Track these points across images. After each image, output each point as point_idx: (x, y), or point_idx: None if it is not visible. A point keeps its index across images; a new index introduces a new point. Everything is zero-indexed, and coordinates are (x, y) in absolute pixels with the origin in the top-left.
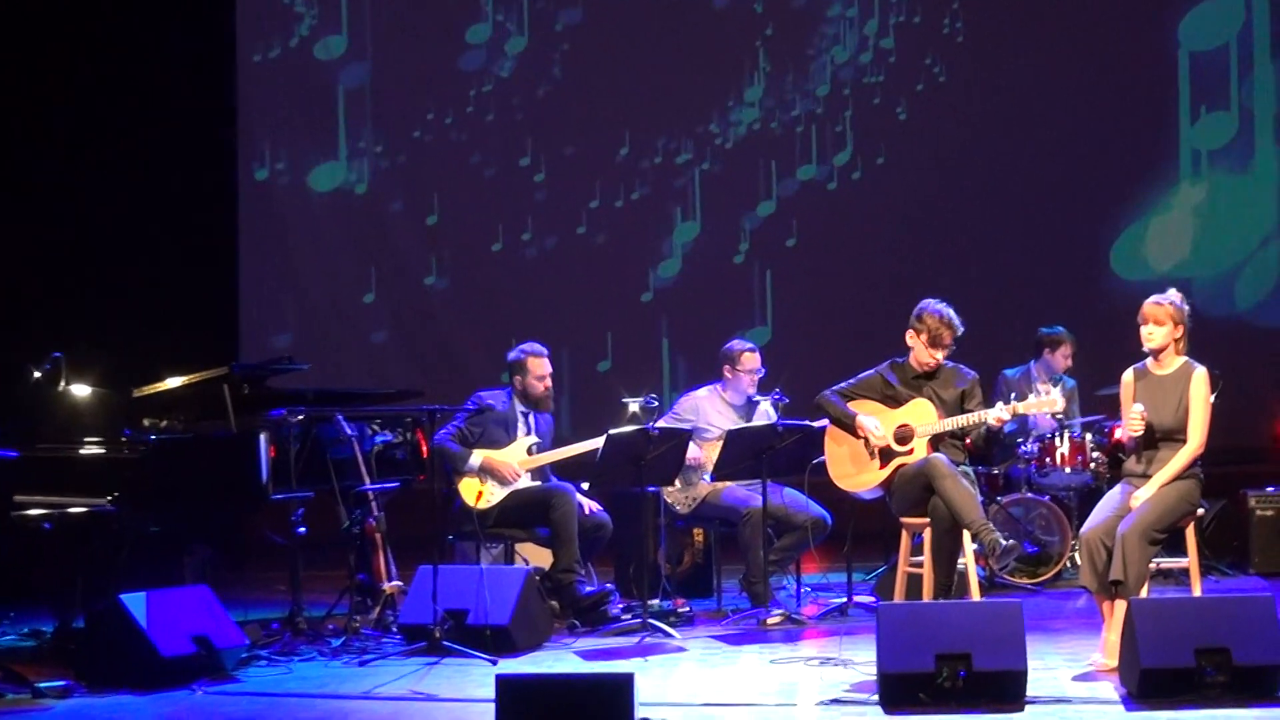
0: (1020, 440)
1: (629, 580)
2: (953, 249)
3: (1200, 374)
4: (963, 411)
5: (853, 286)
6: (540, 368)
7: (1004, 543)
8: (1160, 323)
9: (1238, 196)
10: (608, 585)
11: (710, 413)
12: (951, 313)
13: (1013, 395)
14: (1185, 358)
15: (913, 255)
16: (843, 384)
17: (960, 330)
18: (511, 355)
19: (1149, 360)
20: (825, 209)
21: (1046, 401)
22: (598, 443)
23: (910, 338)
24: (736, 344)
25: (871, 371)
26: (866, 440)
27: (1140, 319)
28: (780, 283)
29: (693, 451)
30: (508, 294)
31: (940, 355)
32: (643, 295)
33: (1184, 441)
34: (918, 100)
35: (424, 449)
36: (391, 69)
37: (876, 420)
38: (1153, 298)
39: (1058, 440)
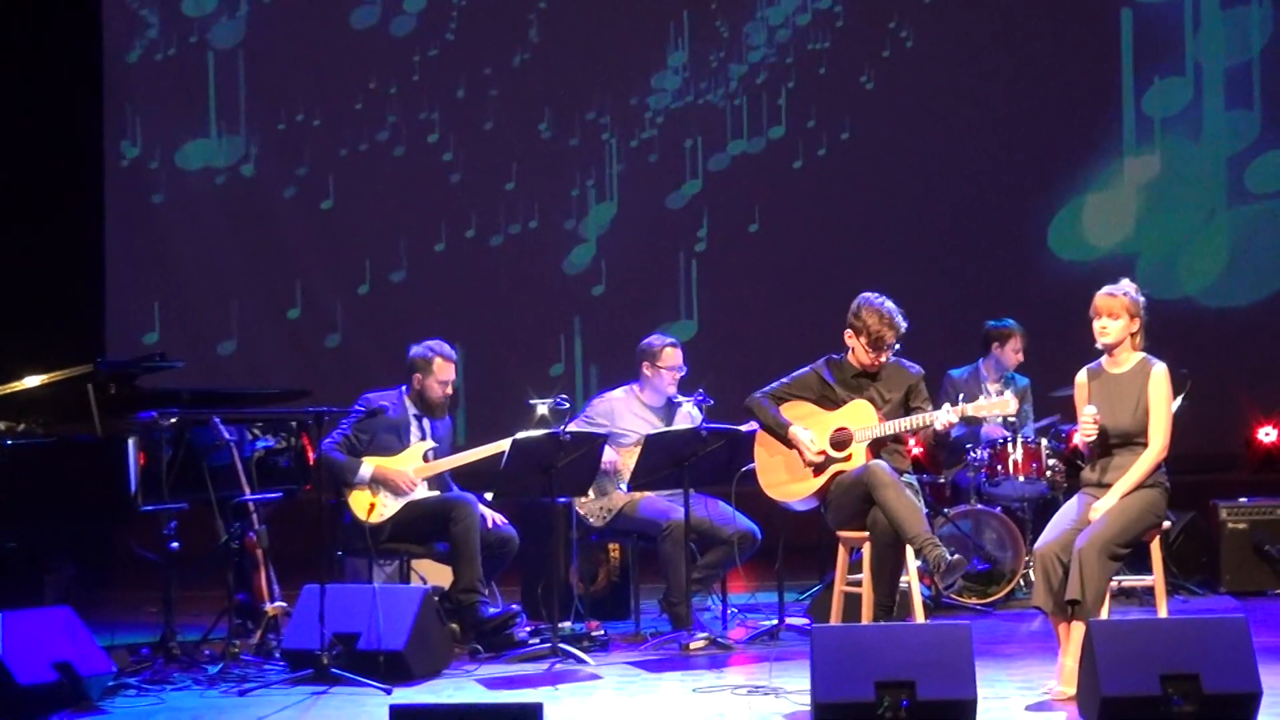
0: (969, 446)
1: (537, 601)
2: (894, 235)
3: (1159, 370)
4: (907, 413)
5: (787, 276)
6: (447, 371)
7: (949, 557)
8: (1115, 316)
9: (1184, 166)
10: (513, 606)
11: (627, 415)
12: (893, 307)
13: (960, 397)
14: (1143, 353)
15: (851, 242)
16: (774, 384)
17: (904, 327)
18: (417, 351)
19: (1104, 359)
20: (757, 189)
21: (998, 403)
22: (503, 445)
23: (849, 338)
24: (656, 339)
25: (807, 369)
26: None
27: (1092, 313)
28: (707, 271)
29: (608, 457)
30: (408, 284)
31: (883, 357)
32: (552, 286)
33: (1145, 446)
34: (862, 72)
35: (310, 455)
36: (273, 28)
37: (812, 434)
38: (1105, 289)
39: (1010, 446)
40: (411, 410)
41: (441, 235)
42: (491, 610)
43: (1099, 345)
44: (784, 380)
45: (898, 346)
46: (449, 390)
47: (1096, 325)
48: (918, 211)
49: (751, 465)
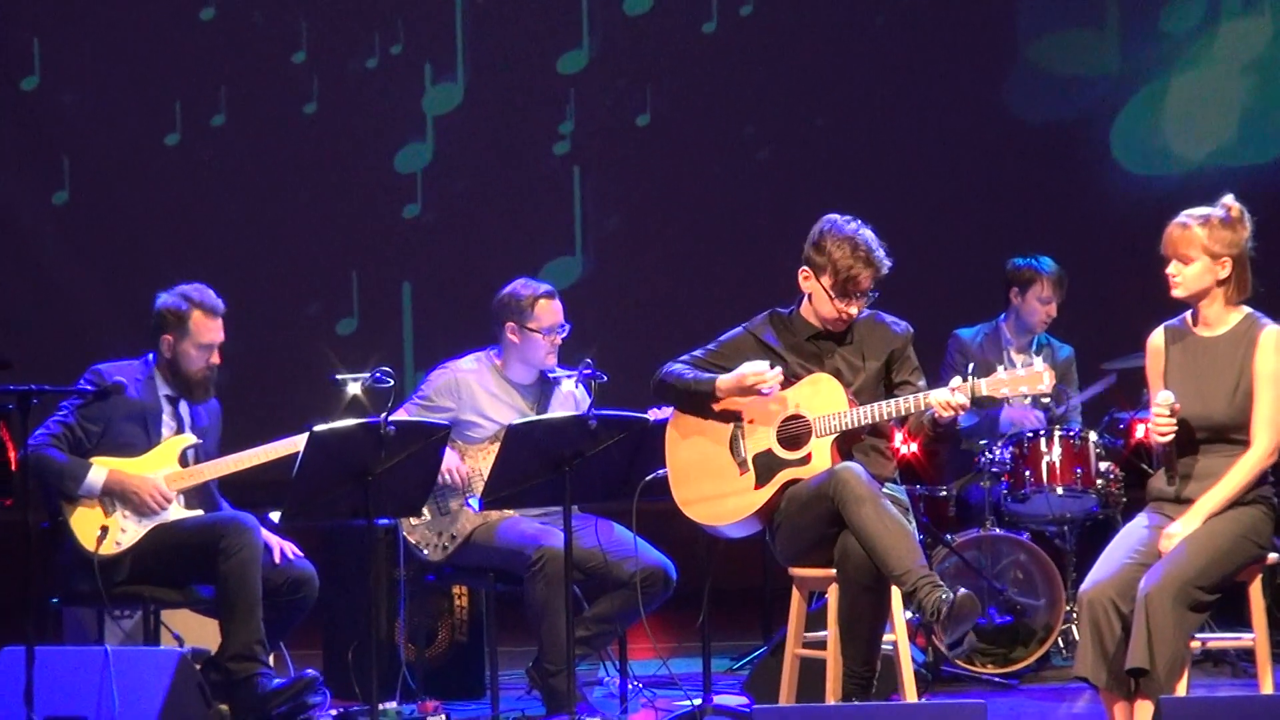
0: (984, 443)
1: (348, 669)
2: (874, 130)
3: (1272, 335)
4: (890, 393)
5: (715, 193)
6: (209, 331)
7: (952, 596)
8: (1187, 258)
9: None
10: (309, 671)
11: (481, 397)
12: (870, 236)
13: (971, 369)
14: (1246, 310)
15: (811, 141)
16: (695, 351)
17: (887, 265)
18: (165, 300)
19: (1188, 314)
20: (675, 64)
21: (1026, 377)
22: (296, 443)
23: (805, 281)
24: (523, 286)
25: (739, 330)
26: (735, 437)
27: (1162, 249)
28: (599, 186)
29: (451, 460)
30: (138, 199)
31: (854, 309)
32: (366, 205)
33: (1245, 444)
34: None
35: (11, 455)
36: None
37: (748, 364)
38: (1181, 215)
39: (1044, 443)
40: (163, 390)
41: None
42: (277, 681)
43: (1172, 296)
44: (708, 346)
45: (875, 294)
46: (213, 359)
47: (1168, 271)
48: (907, 97)
49: (662, 471)
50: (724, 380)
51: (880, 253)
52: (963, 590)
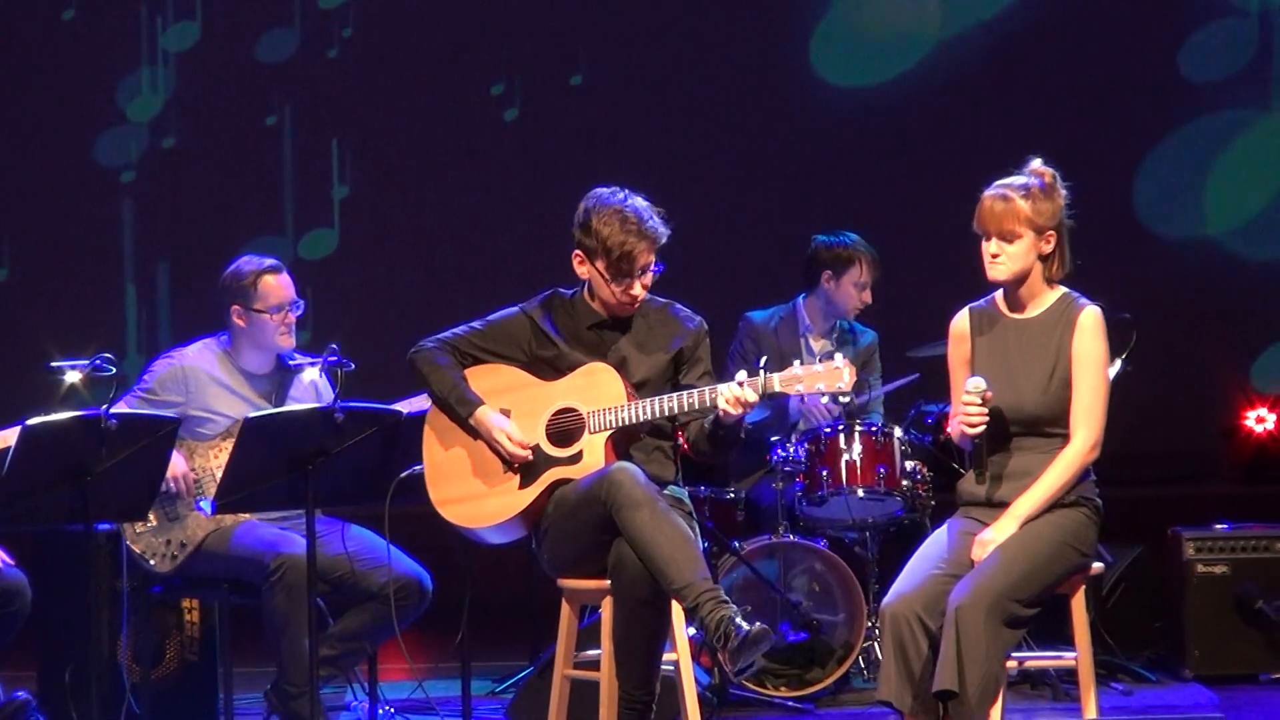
0: (775, 440)
1: (65, 692)
2: (625, 90)
3: (1091, 316)
4: (675, 388)
5: (476, 162)
6: None
7: (745, 626)
8: (1010, 235)
9: None
10: (20, 694)
11: (210, 389)
12: (641, 206)
13: (763, 359)
14: (1063, 289)
15: (568, 104)
16: (459, 328)
17: (663, 235)
18: None
19: (998, 294)
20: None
21: (824, 372)
22: (7, 439)
23: (580, 266)
24: (245, 263)
25: (514, 310)
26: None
27: (977, 225)
28: (363, 144)
29: (176, 465)
30: None
31: (638, 289)
32: (82, 159)
33: (1064, 439)
34: None
35: None
36: None
37: (510, 423)
38: (995, 186)
39: (843, 439)
40: None
41: None
42: None
43: (991, 278)
44: (474, 325)
45: (657, 271)
46: None
47: (985, 249)
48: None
49: (418, 468)
50: (483, 418)
51: (653, 222)
52: (758, 624)
